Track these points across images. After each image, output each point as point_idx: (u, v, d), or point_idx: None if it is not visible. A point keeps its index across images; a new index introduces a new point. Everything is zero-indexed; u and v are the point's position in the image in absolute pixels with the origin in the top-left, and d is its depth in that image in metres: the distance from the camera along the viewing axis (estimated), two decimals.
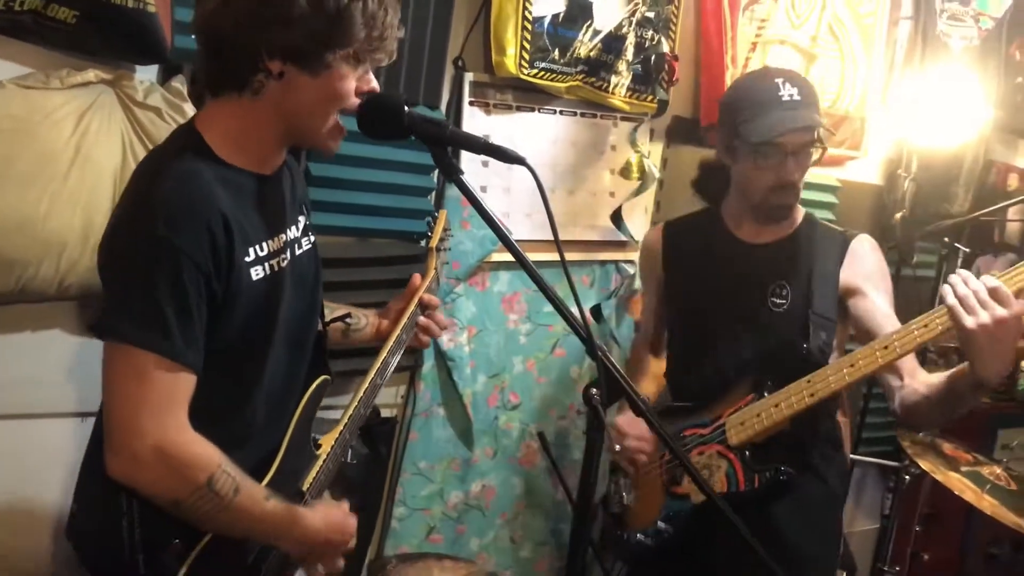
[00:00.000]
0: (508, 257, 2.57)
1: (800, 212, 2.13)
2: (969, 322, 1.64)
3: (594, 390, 1.40)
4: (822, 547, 2.17)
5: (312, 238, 1.60)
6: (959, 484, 2.68)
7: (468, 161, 2.45)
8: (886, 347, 1.81)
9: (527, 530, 2.82)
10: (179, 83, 2.00)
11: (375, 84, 1.44)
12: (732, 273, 2.11)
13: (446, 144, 1.41)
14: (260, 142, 1.41)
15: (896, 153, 3.42)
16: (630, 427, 2.15)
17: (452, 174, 1.42)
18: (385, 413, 2.48)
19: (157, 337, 1.26)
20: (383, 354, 1.75)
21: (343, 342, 1.86)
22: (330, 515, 1.53)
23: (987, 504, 2.60)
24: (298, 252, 1.52)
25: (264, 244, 1.41)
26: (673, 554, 2.09)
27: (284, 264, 1.46)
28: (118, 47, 1.89)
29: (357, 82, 1.40)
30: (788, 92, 1.94)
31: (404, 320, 1.80)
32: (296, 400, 1.57)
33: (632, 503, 2.19)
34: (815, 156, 2.01)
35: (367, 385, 1.70)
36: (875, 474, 3.67)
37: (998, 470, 2.77)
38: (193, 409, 1.36)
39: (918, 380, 1.93)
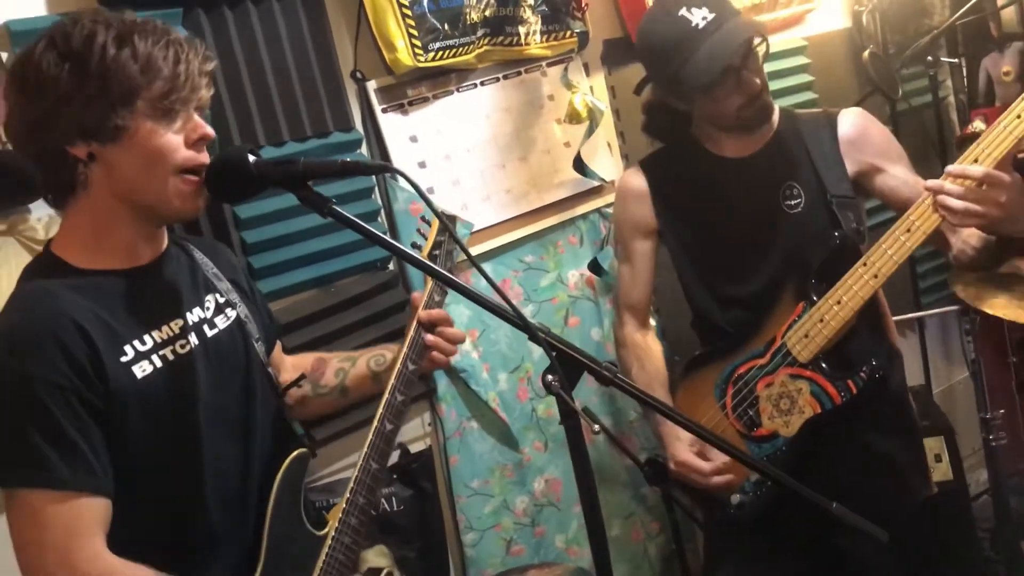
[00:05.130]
0: (483, 247, 2.44)
1: (775, 109, 1.97)
2: (976, 221, 1.64)
3: (550, 376, 1.27)
4: (915, 437, 2.07)
5: (233, 314, 1.47)
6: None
7: (404, 165, 2.30)
8: (976, 161, 1.67)
9: (609, 507, 2.69)
10: None
11: (207, 128, 1.32)
12: (734, 193, 1.95)
13: (303, 180, 1.29)
14: (116, 236, 1.32)
15: None
16: (696, 458, 1.91)
17: (323, 207, 1.29)
18: (416, 448, 2.37)
19: (36, 471, 1.18)
20: (385, 395, 1.54)
21: (375, 389, 1.67)
22: None
23: None
24: (210, 333, 1.41)
25: (146, 337, 1.31)
26: (782, 500, 1.86)
27: (184, 350, 1.35)
28: None
29: (185, 132, 1.29)
30: (700, 16, 1.78)
31: (404, 351, 1.59)
32: (262, 487, 1.44)
33: None
34: (763, 50, 1.87)
35: (372, 436, 1.52)
36: (950, 321, 3.43)
37: None
38: (140, 523, 1.27)
39: (969, 235, 1.81)
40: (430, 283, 1.75)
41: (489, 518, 2.46)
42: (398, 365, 1.58)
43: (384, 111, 2.32)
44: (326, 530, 1.44)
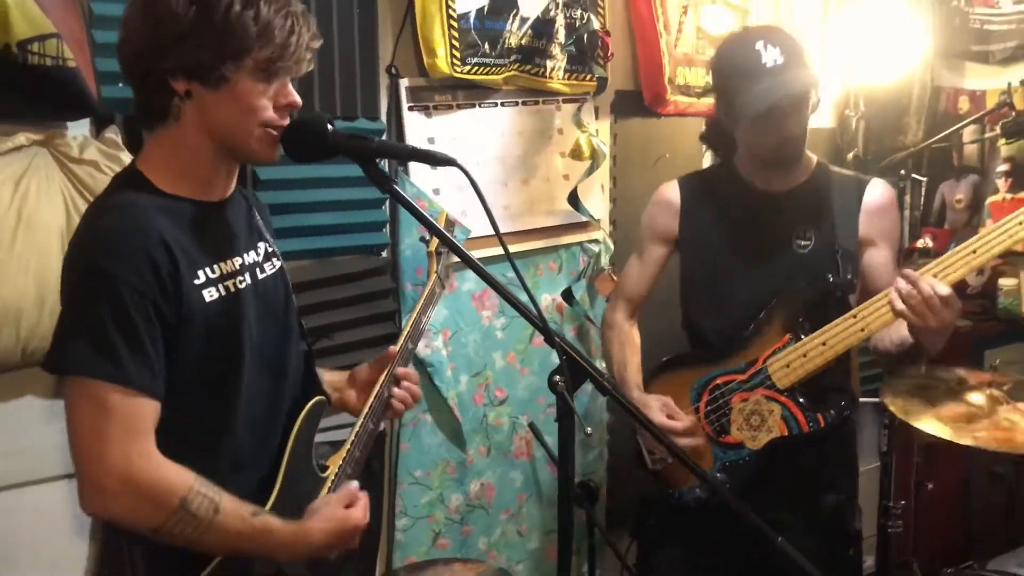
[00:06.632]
0: (472, 255, 2.56)
1: (812, 158, 2.16)
2: (919, 322, 1.84)
3: (557, 377, 1.41)
4: (853, 479, 2.28)
5: (278, 264, 1.60)
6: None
7: (416, 165, 2.45)
8: (936, 275, 1.87)
9: (533, 521, 2.84)
10: (112, 133, 1.99)
11: (295, 97, 1.42)
12: (754, 222, 2.14)
13: (373, 157, 1.42)
14: (197, 167, 1.42)
15: (843, 93, 3.44)
16: (668, 420, 2.09)
17: (385, 184, 1.42)
18: None
19: (108, 365, 1.27)
20: (388, 368, 1.71)
21: None
22: (329, 514, 1.47)
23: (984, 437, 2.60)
24: (260, 276, 1.52)
25: (215, 266, 1.41)
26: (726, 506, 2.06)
27: (242, 286, 1.46)
28: (45, 107, 1.88)
29: (274, 95, 1.39)
30: (771, 57, 1.95)
31: (371, 401, 1.68)
32: (285, 426, 1.56)
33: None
34: (813, 101, 2.04)
35: (372, 399, 1.66)
36: (870, 411, 3.69)
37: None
38: (175, 440, 1.35)
39: (892, 331, 2.01)
40: (434, 275, 1.90)
41: (424, 508, 2.58)
42: (407, 327, 1.78)
43: (410, 109, 2.45)
44: (327, 473, 1.56)
